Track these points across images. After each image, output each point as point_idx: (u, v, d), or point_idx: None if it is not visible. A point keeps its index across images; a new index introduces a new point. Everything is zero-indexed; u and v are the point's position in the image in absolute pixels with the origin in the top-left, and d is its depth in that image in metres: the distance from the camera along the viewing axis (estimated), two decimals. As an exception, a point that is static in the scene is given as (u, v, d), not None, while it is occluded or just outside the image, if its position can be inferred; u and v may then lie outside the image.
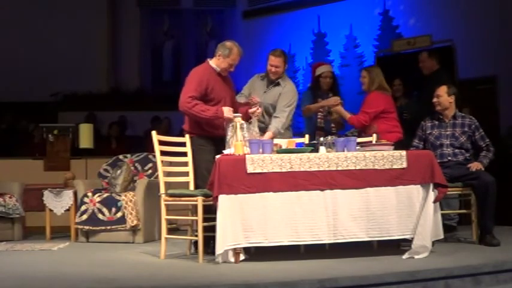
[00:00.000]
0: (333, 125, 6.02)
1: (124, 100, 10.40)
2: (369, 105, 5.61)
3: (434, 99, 5.29)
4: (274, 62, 5.24)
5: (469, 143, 5.23)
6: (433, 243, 4.38)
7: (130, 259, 4.71)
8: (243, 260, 4.23)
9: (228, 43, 4.88)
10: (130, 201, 5.80)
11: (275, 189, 4.20)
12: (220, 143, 4.74)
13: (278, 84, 5.30)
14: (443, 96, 5.26)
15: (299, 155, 4.28)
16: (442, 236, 4.45)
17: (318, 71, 6.10)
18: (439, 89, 5.29)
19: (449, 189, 4.68)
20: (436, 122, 5.34)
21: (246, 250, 4.32)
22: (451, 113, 5.29)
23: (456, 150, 5.20)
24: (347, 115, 5.73)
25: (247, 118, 4.82)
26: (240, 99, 5.31)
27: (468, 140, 5.23)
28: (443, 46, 7.78)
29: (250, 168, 4.19)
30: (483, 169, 5.07)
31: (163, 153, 4.75)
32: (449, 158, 5.18)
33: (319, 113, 5.99)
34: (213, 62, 4.90)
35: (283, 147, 4.63)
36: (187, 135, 4.86)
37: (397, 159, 4.34)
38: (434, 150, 5.13)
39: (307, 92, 6.23)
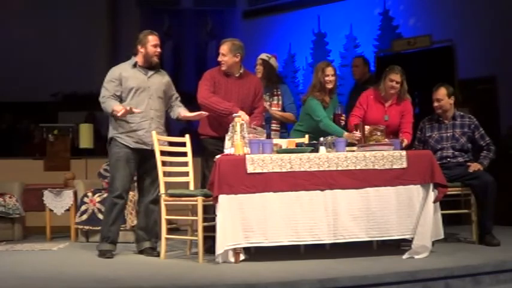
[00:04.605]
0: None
1: (124, 100, 10.37)
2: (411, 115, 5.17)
3: (435, 104, 5.19)
4: (158, 41, 4.95)
5: (469, 144, 5.20)
6: (433, 243, 4.38)
7: (130, 259, 4.71)
8: (243, 260, 4.23)
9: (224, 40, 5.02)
10: (130, 201, 5.79)
11: (275, 189, 4.21)
12: None
13: (159, 70, 5.06)
14: (444, 99, 5.17)
15: (299, 155, 4.28)
16: (442, 236, 4.45)
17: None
18: (437, 93, 5.19)
19: (449, 189, 4.67)
20: (436, 124, 5.28)
21: (246, 250, 4.32)
22: (451, 114, 5.25)
23: (456, 153, 5.16)
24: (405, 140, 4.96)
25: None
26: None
27: (468, 140, 5.19)
28: (443, 46, 7.76)
29: (250, 168, 4.19)
30: (481, 169, 5.05)
31: (163, 153, 4.76)
32: (449, 159, 5.15)
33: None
34: None
35: (283, 147, 4.63)
36: (187, 136, 4.92)
37: (397, 159, 4.34)
38: (435, 153, 5.01)
39: None
